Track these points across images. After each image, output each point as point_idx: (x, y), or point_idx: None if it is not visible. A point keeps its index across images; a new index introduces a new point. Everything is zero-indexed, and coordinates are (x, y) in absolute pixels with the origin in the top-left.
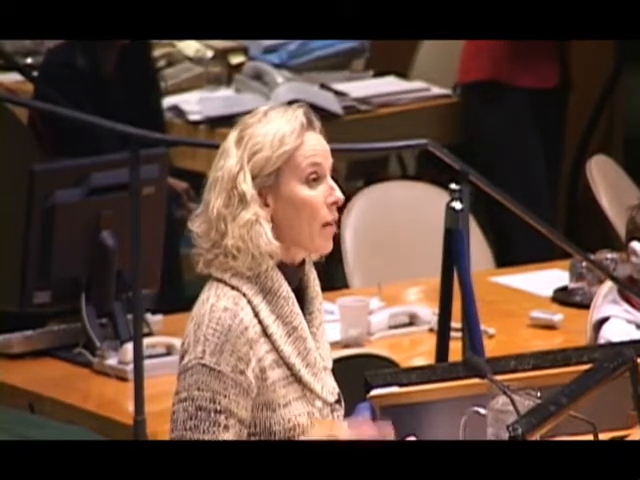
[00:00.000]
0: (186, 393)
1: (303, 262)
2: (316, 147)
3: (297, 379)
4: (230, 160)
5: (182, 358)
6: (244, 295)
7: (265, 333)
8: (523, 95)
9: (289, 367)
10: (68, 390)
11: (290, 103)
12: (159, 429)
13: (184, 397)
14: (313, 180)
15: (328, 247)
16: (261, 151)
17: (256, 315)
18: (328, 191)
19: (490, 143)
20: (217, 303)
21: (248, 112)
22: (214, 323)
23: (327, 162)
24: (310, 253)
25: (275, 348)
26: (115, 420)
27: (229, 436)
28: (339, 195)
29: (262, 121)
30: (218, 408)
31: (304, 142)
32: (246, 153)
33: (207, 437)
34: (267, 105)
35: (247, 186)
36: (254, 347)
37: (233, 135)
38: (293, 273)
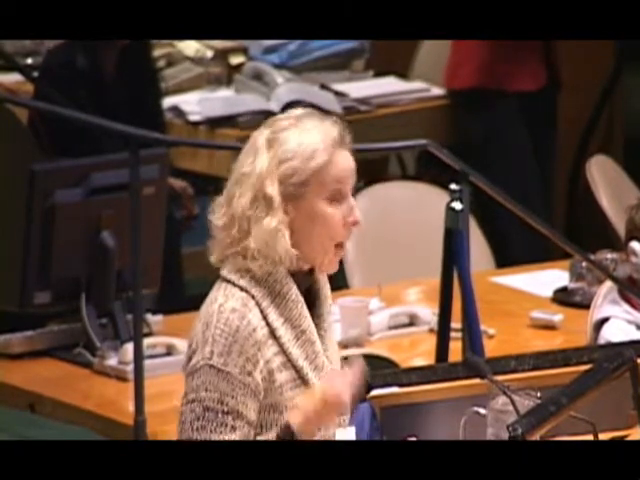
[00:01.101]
0: (194, 394)
1: (312, 269)
2: (345, 166)
3: (304, 382)
4: (260, 161)
5: (190, 359)
6: (253, 297)
7: (273, 335)
8: (512, 100)
9: (297, 370)
10: (68, 390)
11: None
12: (159, 429)
13: (192, 398)
14: (336, 198)
15: (334, 267)
16: (291, 160)
17: (264, 317)
18: (348, 210)
19: (482, 148)
20: (225, 304)
21: (248, 112)
22: (222, 324)
23: (352, 181)
24: (316, 267)
25: (283, 351)
26: (115, 420)
27: (236, 437)
28: (358, 215)
29: (296, 127)
30: (225, 409)
31: (334, 160)
32: (276, 158)
33: (214, 438)
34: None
35: (274, 191)
36: (262, 349)
37: (265, 133)
38: (302, 278)
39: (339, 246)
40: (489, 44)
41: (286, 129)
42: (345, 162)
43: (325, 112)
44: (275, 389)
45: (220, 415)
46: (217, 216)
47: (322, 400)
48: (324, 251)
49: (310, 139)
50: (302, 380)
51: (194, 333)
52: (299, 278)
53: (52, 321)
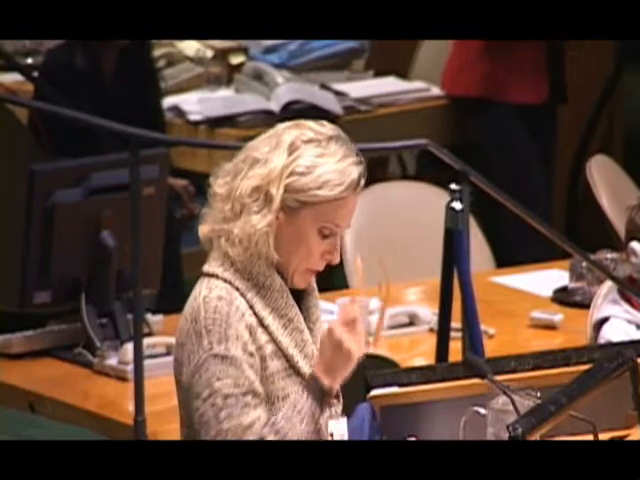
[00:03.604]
0: (208, 390)
1: None
2: (349, 211)
3: (295, 371)
4: (276, 159)
5: (188, 360)
6: (237, 289)
7: (262, 324)
8: (513, 110)
9: (287, 359)
10: (68, 390)
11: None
12: (159, 429)
13: (208, 394)
14: (326, 233)
15: (302, 286)
16: (302, 177)
17: (251, 307)
18: (330, 248)
19: (482, 149)
20: (210, 294)
21: (248, 112)
22: (211, 313)
23: (348, 225)
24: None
25: (273, 339)
26: (115, 420)
27: (261, 413)
28: (336, 258)
29: (321, 147)
30: (243, 390)
31: (342, 201)
32: (290, 167)
33: (244, 420)
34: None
35: (277, 195)
36: (254, 334)
37: (292, 134)
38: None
39: (310, 270)
40: (490, 53)
41: (311, 142)
42: (351, 207)
43: (325, 112)
44: (267, 377)
45: (240, 397)
46: (219, 183)
47: (338, 341)
48: (294, 268)
49: (327, 168)
50: (293, 369)
51: (180, 332)
52: (282, 272)
53: (52, 321)
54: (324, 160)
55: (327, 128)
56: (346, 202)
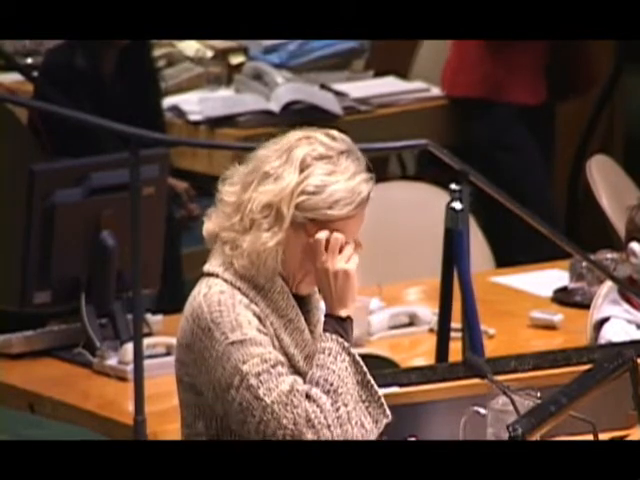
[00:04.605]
0: (238, 376)
1: None
2: (357, 227)
3: (296, 371)
4: (288, 176)
5: (203, 358)
6: (239, 289)
7: (265, 321)
8: (513, 110)
9: (289, 358)
10: (68, 390)
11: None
12: (159, 429)
13: (238, 382)
14: None
15: (306, 293)
16: (313, 196)
17: (254, 305)
18: None
19: (483, 149)
20: (210, 291)
21: (248, 112)
22: (216, 305)
23: (356, 235)
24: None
25: (276, 336)
26: (115, 420)
27: (297, 378)
28: None
29: (332, 163)
30: (272, 363)
31: (349, 219)
32: (301, 186)
33: (283, 387)
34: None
35: (288, 214)
36: (263, 322)
37: (304, 149)
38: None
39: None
40: (490, 53)
41: (322, 159)
42: (358, 223)
43: (325, 112)
44: None
45: (272, 370)
46: (229, 189)
47: (326, 269)
48: (300, 278)
49: (337, 186)
50: (294, 369)
51: (182, 333)
52: (284, 278)
53: (52, 321)
54: (335, 178)
55: (338, 142)
56: (352, 220)
